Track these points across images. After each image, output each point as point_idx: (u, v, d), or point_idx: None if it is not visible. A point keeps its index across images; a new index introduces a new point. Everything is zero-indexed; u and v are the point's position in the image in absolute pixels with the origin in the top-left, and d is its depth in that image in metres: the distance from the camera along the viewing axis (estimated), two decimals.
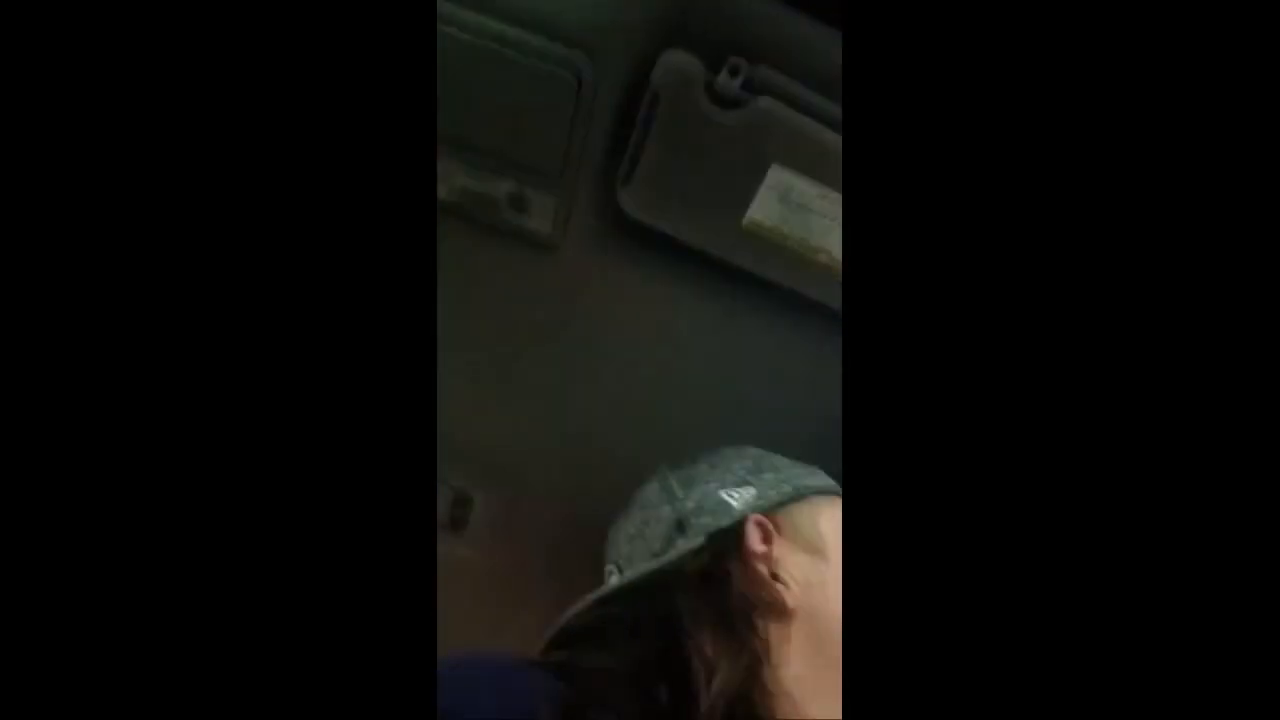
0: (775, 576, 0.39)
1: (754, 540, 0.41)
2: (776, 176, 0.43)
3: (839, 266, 0.48)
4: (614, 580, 0.43)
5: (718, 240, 0.47)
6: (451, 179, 0.47)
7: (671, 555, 0.41)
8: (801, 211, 0.45)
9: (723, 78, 0.39)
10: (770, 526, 0.42)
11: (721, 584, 0.39)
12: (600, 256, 0.50)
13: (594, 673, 0.35)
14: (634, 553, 0.45)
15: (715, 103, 0.40)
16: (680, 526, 0.43)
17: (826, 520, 0.43)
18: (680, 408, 0.57)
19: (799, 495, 0.44)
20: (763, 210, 0.45)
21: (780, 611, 0.38)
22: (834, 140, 0.41)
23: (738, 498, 0.43)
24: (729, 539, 0.41)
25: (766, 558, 0.40)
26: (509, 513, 0.64)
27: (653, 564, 0.41)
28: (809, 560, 0.40)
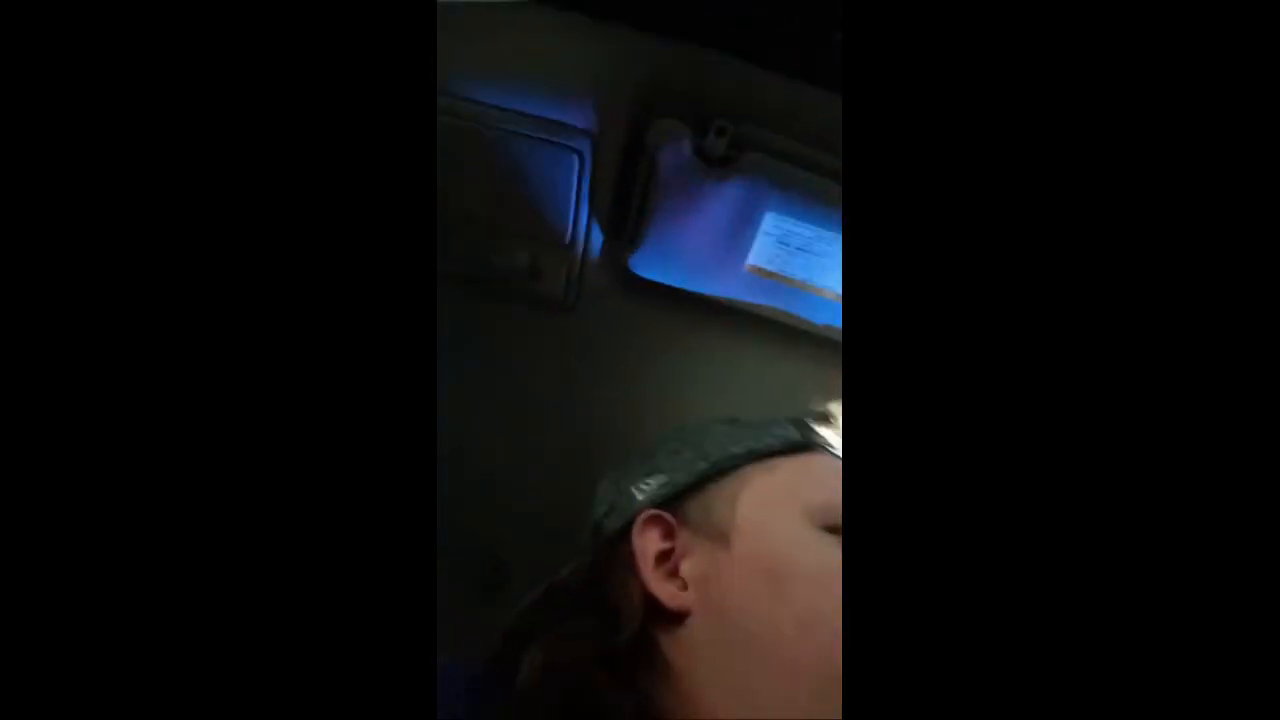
0: (675, 573, 0.35)
1: (642, 541, 0.35)
2: (772, 223, 0.45)
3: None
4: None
5: (726, 289, 0.50)
6: (471, 255, 0.51)
7: (566, 571, 0.36)
8: (801, 254, 0.47)
9: (710, 139, 0.42)
10: (670, 519, 0.36)
11: (603, 598, 0.34)
12: (613, 314, 0.52)
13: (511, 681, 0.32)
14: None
15: (706, 162, 0.43)
16: (596, 534, 0.38)
17: (751, 491, 0.37)
18: None
19: (716, 470, 0.38)
20: (763, 256, 0.47)
21: (672, 616, 0.33)
22: (822, 184, 0.43)
23: (645, 490, 0.38)
24: (619, 543, 0.36)
25: (662, 557, 0.35)
26: (548, 571, 0.65)
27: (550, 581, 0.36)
28: (710, 550, 0.35)
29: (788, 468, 0.39)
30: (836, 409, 0.44)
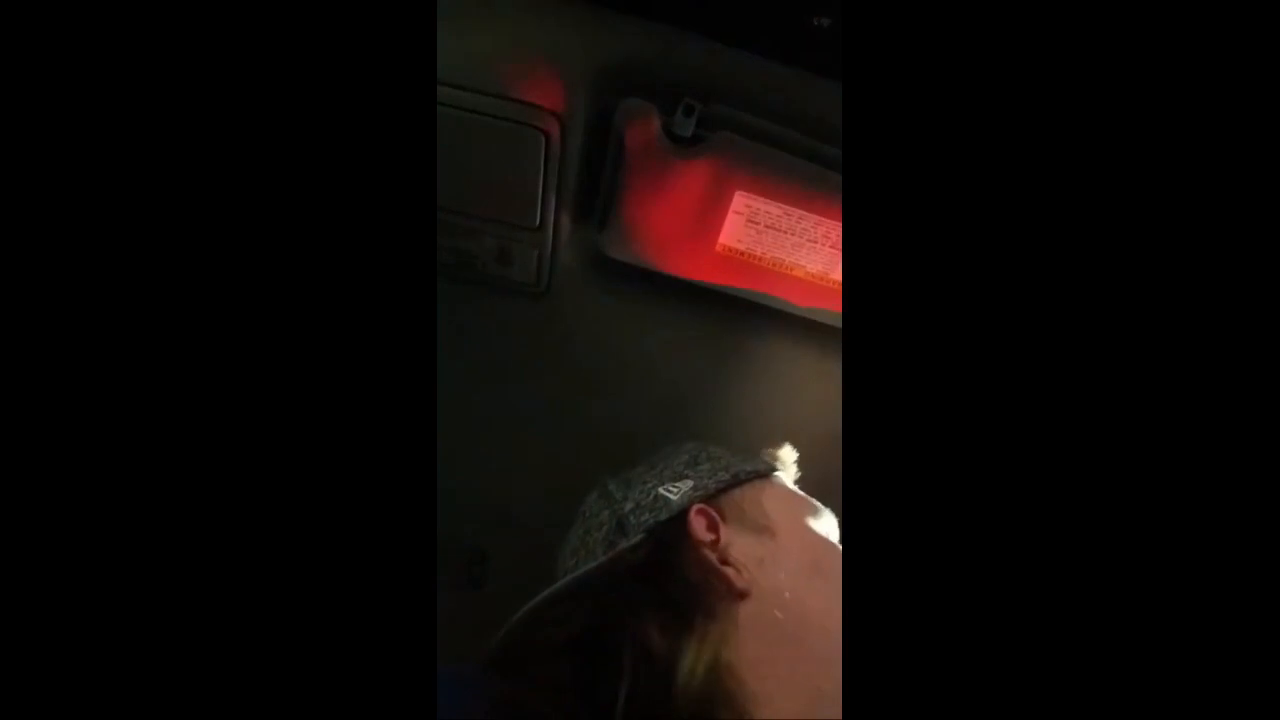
0: (725, 561, 0.40)
1: (699, 529, 0.41)
2: (742, 202, 0.46)
3: (816, 280, 0.50)
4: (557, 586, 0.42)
5: (697, 269, 0.50)
6: (439, 241, 0.50)
7: (611, 555, 0.41)
8: (771, 232, 0.47)
9: (678, 118, 0.42)
10: (714, 514, 0.42)
11: (665, 575, 0.39)
12: (586, 297, 0.52)
13: (536, 673, 0.36)
14: (579, 564, 0.44)
15: (674, 141, 0.43)
16: (620, 528, 0.43)
17: (769, 499, 0.44)
18: (681, 433, 0.58)
19: (737, 481, 0.45)
20: (734, 235, 0.47)
21: (732, 594, 0.38)
22: (791, 162, 0.44)
23: (676, 491, 0.44)
24: (671, 531, 0.41)
25: (714, 545, 0.40)
26: (528, 563, 0.64)
27: (591, 564, 0.40)
28: (756, 540, 0.41)
29: (786, 486, 0.46)
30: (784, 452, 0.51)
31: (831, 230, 0.47)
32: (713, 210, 0.46)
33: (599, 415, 0.58)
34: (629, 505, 0.44)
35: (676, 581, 0.38)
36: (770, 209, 0.46)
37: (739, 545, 0.40)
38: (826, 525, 0.44)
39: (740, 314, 0.52)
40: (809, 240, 0.47)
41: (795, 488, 0.48)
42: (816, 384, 0.56)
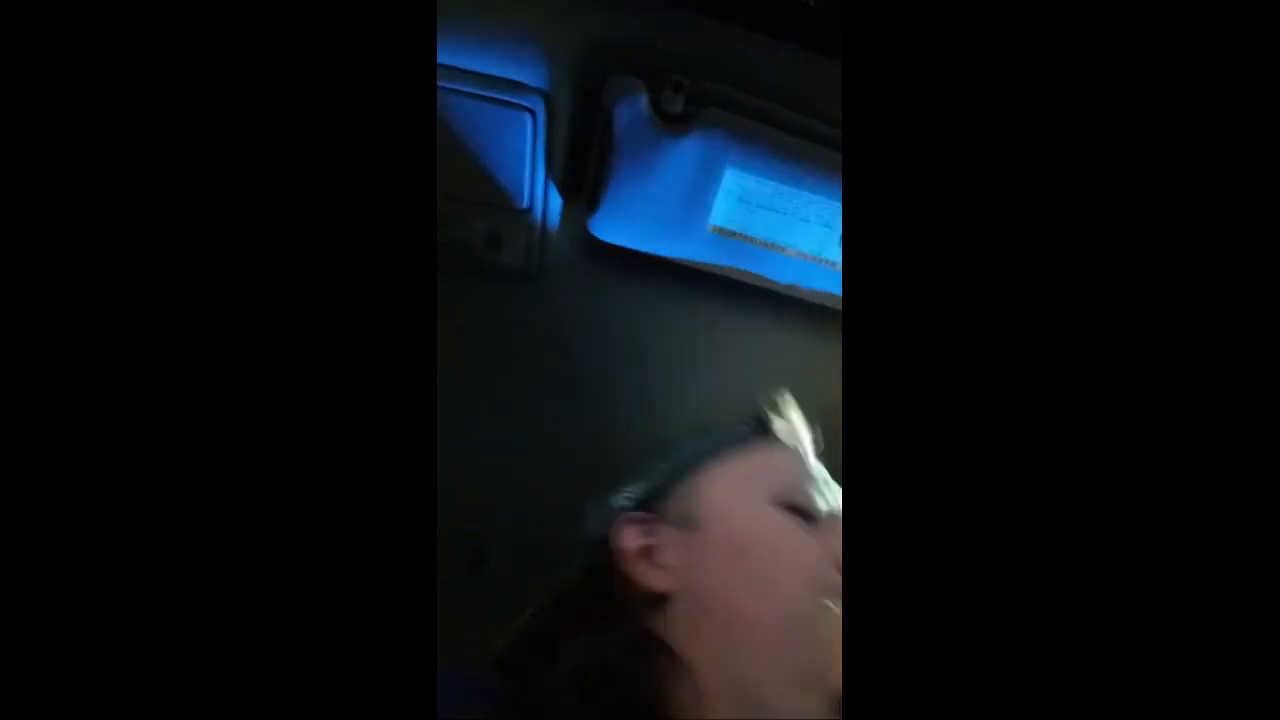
0: (656, 564, 0.41)
1: (624, 538, 0.42)
2: (733, 180, 0.45)
3: (809, 259, 0.49)
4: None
5: (689, 250, 0.49)
6: None
7: (570, 570, 0.43)
8: (763, 211, 0.46)
9: (667, 94, 0.41)
10: (647, 519, 0.43)
11: (601, 587, 0.41)
12: (578, 281, 0.51)
13: (536, 674, 0.37)
14: None
15: (664, 119, 0.42)
16: (586, 544, 0.45)
17: (712, 481, 0.43)
18: (675, 417, 0.58)
19: (684, 469, 0.44)
20: (725, 215, 0.47)
21: (657, 597, 0.39)
22: (782, 140, 0.43)
23: (626, 499, 0.45)
24: (606, 542, 0.42)
25: (646, 550, 0.41)
26: (527, 555, 0.64)
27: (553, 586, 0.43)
28: (685, 538, 0.41)
29: (744, 458, 0.45)
30: (784, 397, 0.49)
31: (824, 208, 0.46)
32: (703, 189, 0.45)
33: (592, 399, 0.58)
34: (590, 522, 0.46)
35: (613, 590, 0.40)
36: (763, 187, 0.45)
37: (671, 544, 0.41)
38: (789, 473, 0.43)
39: (733, 295, 0.51)
40: (801, 219, 0.47)
41: (778, 448, 0.46)
42: (810, 365, 0.56)
